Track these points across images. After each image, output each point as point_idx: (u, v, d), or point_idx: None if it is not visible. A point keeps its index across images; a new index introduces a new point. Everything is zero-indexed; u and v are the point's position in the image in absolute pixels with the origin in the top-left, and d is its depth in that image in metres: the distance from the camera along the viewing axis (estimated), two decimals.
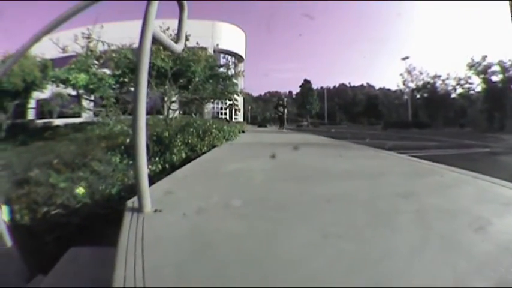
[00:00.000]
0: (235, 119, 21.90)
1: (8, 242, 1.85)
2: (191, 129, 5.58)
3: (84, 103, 11.70)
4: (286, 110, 15.56)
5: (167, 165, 4.18)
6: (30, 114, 22.94)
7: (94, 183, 3.60)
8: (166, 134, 5.09)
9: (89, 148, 5.42)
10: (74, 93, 11.75)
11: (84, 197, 3.32)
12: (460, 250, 1.17)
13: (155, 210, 1.54)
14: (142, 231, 1.30)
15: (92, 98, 10.87)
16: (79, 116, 13.44)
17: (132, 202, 1.63)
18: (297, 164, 3.55)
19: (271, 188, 2.20)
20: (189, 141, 4.98)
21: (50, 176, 3.70)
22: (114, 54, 9.52)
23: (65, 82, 10.67)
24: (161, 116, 7.41)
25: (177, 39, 2.07)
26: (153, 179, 2.16)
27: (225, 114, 23.03)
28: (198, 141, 5.09)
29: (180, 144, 4.78)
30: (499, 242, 1.24)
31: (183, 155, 4.51)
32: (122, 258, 1.10)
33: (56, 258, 1.88)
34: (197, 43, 11.00)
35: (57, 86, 11.78)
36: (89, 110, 11.03)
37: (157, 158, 4.32)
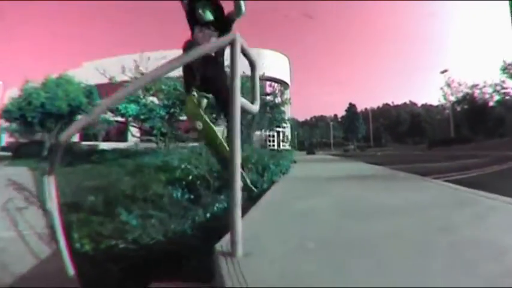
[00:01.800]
0: (283, 146, 21.79)
1: (70, 270, 1.90)
2: (249, 166, 5.47)
3: (132, 129, 12.09)
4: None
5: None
6: (75, 137, 24.11)
7: (164, 221, 3.59)
8: None
9: (146, 180, 5.62)
10: (121, 119, 12.07)
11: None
12: None
13: (245, 255, 1.57)
14: (237, 277, 1.34)
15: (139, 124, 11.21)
16: (124, 141, 13.86)
17: (220, 246, 1.67)
18: (358, 200, 3.46)
19: (338, 227, 2.21)
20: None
21: (120, 213, 3.68)
22: (163, 86, 9.89)
23: (114, 111, 11.11)
24: None
25: (252, 98, 2.14)
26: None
27: (273, 141, 22.86)
28: (258, 178, 5.04)
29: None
30: None
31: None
32: None
33: None
34: (243, 72, 11.19)
35: (105, 113, 12.28)
36: (138, 137, 11.39)
37: (222, 196, 4.23)
